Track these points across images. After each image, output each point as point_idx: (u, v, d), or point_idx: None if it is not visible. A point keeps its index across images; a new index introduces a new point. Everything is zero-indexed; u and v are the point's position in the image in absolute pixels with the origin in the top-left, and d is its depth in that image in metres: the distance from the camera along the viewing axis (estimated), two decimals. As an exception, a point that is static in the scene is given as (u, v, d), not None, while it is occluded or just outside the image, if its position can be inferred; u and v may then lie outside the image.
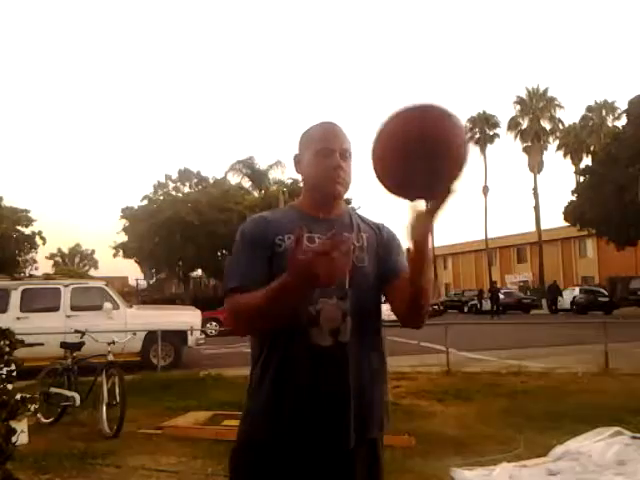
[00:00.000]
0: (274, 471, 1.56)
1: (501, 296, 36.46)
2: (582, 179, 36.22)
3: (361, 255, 1.68)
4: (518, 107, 49.15)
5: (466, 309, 37.01)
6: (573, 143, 48.42)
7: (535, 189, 47.59)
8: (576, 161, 48.34)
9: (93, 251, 75.57)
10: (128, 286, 43.97)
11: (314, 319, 1.57)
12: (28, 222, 37.60)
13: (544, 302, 34.66)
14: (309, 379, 1.55)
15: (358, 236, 1.71)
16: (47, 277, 13.22)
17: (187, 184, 42.94)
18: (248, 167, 39.91)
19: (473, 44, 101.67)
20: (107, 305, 11.00)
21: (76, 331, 7.33)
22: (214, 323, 22.52)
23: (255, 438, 1.60)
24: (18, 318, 10.25)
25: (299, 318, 1.55)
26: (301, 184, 1.82)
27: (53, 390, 6.71)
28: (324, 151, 1.69)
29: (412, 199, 1.50)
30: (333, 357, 1.57)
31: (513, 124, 49.44)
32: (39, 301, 11.01)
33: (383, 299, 1.73)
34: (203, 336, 13.42)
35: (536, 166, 47.64)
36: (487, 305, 32.70)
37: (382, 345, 1.72)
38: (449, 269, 66.69)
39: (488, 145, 51.48)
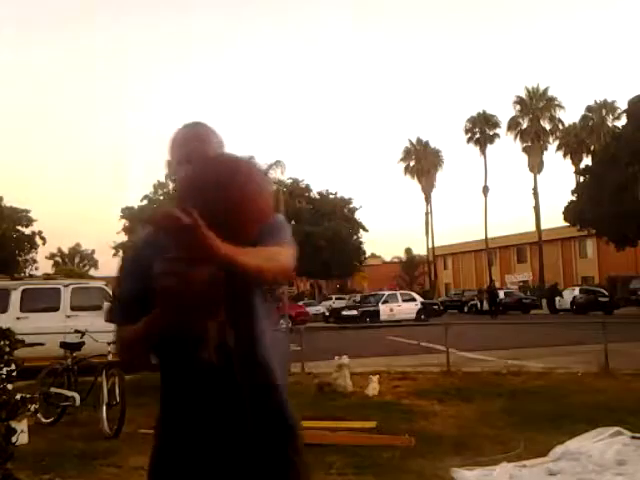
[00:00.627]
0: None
1: (501, 295, 36.50)
2: (582, 179, 36.26)
3: None
4: (518, 107, 49.19)
5: (466, 309, 37.03)
6: (573, 143, 48.43)
7: (535, 189, 47.66)
8: (576, 161, 48.34)
9: (93, 251, 75.58)
10: (128, 286, 43.85)
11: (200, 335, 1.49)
12: (28, 222, 37.64)
13: (544, 302, 34.69)
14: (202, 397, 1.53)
15: None
16: (47, 277, 13.22)
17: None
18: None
19: (473, 44, 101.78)
20: (107, 305, 11.00)
21: (76, 331, 7.33)
22: (214, 323, 22.48)
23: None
24: (18, 318, 10.24)
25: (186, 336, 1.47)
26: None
27: (53, 390, 6.71)
28: (183, 158, 1.57)
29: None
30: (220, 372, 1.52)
31: (513, 124, 49.46)
32: (39, 301, 11.00)
33: None
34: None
35: (536, 166, 47.68)
36: (486, 305, 32.63)
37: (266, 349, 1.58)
38: (449, 269, 66.72)
39: (488, 145, 51.59)
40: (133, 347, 1.46)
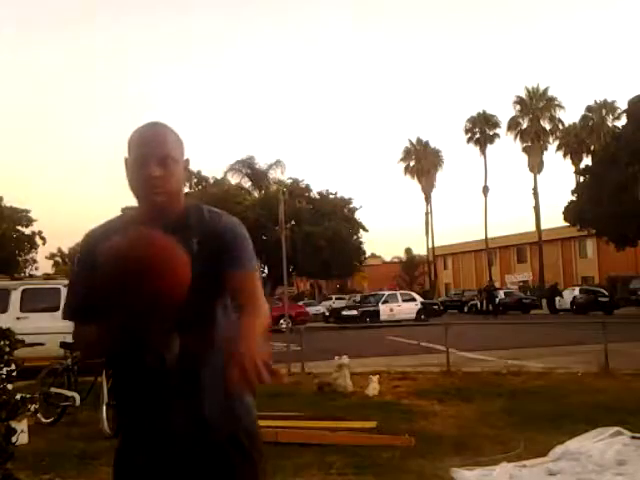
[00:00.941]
0: None
1: (501, 295, 36.48)
2: (582, 179, 36.25)
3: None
4: (518, 107, 49.19)
5: (466, 309, 37.04)
6: (573, 143, 48.42)
7: (535, 189, 47.66)
8: (576, 161, 48.32)
9: (93, 251, 75.44)
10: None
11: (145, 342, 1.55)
12: (28, 222, 37.61)
13: (544, 302, 34.70)
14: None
15: (189, 241, 1.58)
16: (47, 277, 13.22)
17: (187, 184, 42.94)
18: (248, 167, 39.95)
19: (473, 44, 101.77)
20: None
21: (76, 331, 7.32)
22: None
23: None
24: (18, 318, 10.25)
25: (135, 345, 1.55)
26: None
27: (53, 390, 6.72)
28: (140, 159, 1.58)
29: None
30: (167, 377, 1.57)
31: (513, 124, 49.45)
32: (39, 301, 11.00)
33: None
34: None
35: (536, 166, 47.68)
36: (485, 305, 32.49)
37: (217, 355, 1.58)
38: (449, 269, 66.72)
39: (488, 145, 51.61)
40: (94, 348, 1.61)
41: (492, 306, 30.70)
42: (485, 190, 51.60)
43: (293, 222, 35.17)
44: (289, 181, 39.07)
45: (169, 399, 1.58)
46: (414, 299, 28.14)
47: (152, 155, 1.58)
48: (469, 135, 52.18)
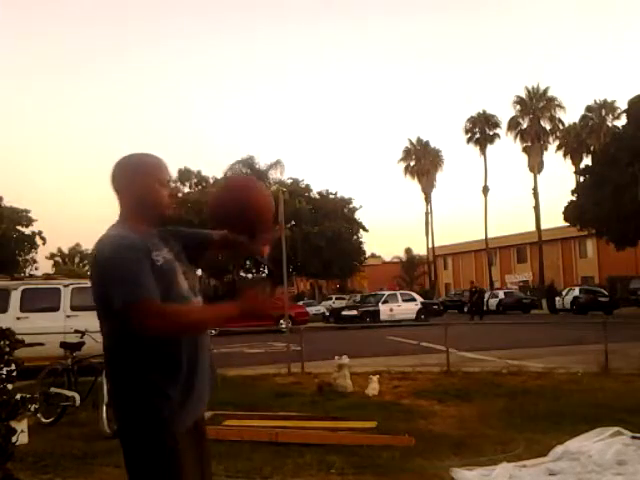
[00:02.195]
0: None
1: (501, 295, 36.47)
2: (582, 179, 36.25)
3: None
4: (518, 107, 49.18)
5: (466, 309, 37.02)
6: (573, 143, 48.43)
7: (535, 189, 47.62)
8: (576, 161, 48.34)
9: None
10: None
11: None
12: (28, 222, 37.62)
13: (544, 302, 34.71)
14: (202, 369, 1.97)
15: (172, 245, 2.03)
16: (47, 277, 13.20)
17: (187, 184, 42.99)
18: (248, 167, 39.91)
19: (473, 44, 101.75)
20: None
21: (76, 331, 7.32)
22: (214, 323, 22.46)
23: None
24: (18, 318, 10.23)
25: None
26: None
27: (53, 390, 6.71)
28: (164, 181, 2.02)
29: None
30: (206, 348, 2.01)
31: (513, 124, 49.45)
32: (39, 301, 10.99)
33: None
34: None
35: (536, 166, 47.66)
36: (484, 306, 32.09)
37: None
38: (449, 269, 66.71)
39: (488, 145, 51.59)
40: (199, 327, 1.95)
41: (476, 308, 30.18)
42: (485, 190, 51.61)
43: (293, 222, 35.15)
44: (289, 181, 39.06)
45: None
46: (414, 299, 28.12)
47: (169, 179, 2.07)
48: (469, 135, 52.21)
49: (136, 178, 1.96)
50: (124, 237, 1.87)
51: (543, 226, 47.59)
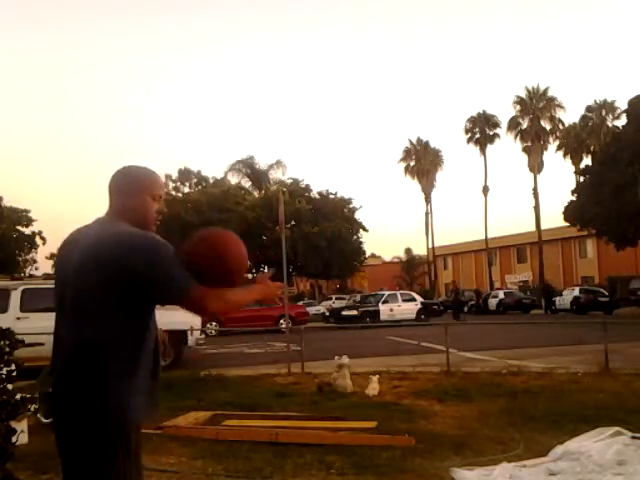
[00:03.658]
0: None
1: (501, 295, 36.47)
2: (582, 179, 36.26)
3: None
4: (518, 107, 49.16)
5: (466, 309, 37.03)
6: (573, 143, 48.43)
7: (535, 189, 47.61)
8: (576, 161, 48.34)
9: (93, 251, 75.31)
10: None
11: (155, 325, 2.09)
12: (28, 222, 37.62)
13: (544, 302, 34.73)
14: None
15: None
16: (47, 277, 13.20)
17: (187, 184, 43.01)
18: (248, 167, 39.96)
19: (473, 44, 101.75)
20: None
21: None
22: (214, 323, 22.52)
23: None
24: (18, 318, 10.24)
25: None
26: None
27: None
28: (157, 197, 2.12)
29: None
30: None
31: (513, 124, 49.44)
32: (39, 301, 10.97)
33: None
34: (203, 336, 13.42)
35: (536, 166, 47.65)
36: (478, 307, 31.56)
37: None
38: (449, 269, 66.71)
39: (488, 145, 51.60)
40: (240, 305, 2.05)
41: (454, 310, 29.90)
42: (485, 190, 51.62)
43: (293, 222, 35.15)
44: (289, 181, 39.06)
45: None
46: (414, 299, 28.11)
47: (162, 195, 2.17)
48: (469, 135, 52.23)
49: (133, 186, 2.07)
50: (149, 234, 2.00)
51: (543, 226, 47.63)
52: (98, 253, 1.90)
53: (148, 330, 1.99)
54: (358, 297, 36.34)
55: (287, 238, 17.10)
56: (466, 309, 36.89)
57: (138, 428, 2.04)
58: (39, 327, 9.33)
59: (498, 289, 42.88)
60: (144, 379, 1.97)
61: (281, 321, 21.82)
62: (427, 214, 57.40)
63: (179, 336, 11.54)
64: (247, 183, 41.84)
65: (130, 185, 2.08)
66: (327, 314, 29.26)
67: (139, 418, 1.99)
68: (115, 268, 1.87)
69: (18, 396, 3.72)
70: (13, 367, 3.81)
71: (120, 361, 1.90)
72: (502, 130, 50.84)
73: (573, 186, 36.90)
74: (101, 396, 1.89)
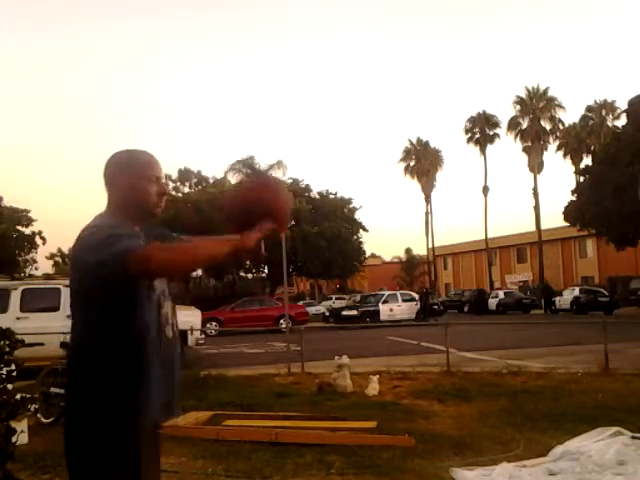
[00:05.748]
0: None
1: (501, 296, 36.48)
2: (582, 179, 36.26)
3: None
4: (518, 107, 49.13)
5: (466, 309, 37.05)
6: (573, 143, 48.41)
7: (535, 189, 47.60)
8: (576, 161, 48.32)
9: (93, 251, 75.20)
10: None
11: (166, 319, 1.99)
12: (28, 222, 37.57)
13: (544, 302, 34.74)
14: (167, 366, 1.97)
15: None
16: (47, 277, 13.21)
17: (187, 184, 42.95)
18: (248, 167, 39.88)
19: (473, 44, 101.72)
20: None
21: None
22: (214, 323, 22.53)
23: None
24: (18, 318, 10.24)
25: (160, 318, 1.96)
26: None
27: (53, 390, 6.70)
28: (154, 179, 1.99)
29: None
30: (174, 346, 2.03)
31: (513, 124, 49.41)
32: (39, 301, 10.99)
33: None
34: (203, 336, 13.42)
35: (536, 166, 47.63)
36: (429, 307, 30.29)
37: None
38: (449, 269, 66.70)
39: (488, 145, 51.58)
40: (199, 256, 1.89)
41: (423, 309, 29.64)
42: (485, 190, 51.60)
43: (293, 222, 35.13)
44: (289, 181, 39.03)
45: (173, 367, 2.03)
46: (414, 299, 28.11)
47: (161, 175, 2.03)
48: (469, 135, 52.20)
49: (125, 174, 1.96)
50: (110, 223, 1.88)
51: (543, 226, 47.61)
52: (73, 253, 1.91)
53: (145, 326, 1.88)
54: (358, 297, 36.34)
55: (287, 238, 17.09)
56: (466, 309, 36.93)
57: (152, 428, 1.99)
58: (39, 327, 9.38)
59: (498, 289, 42.89)
60: (151, 377, 1.89)
61: (281, 321, 21.81)
62: (427, 214, 57.44)
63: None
64: (247, 183, 41.72)
65: (123, 171, 1.96)
66: (327, 314, 29.26)
67: (149, 418, 1.93)
68: (79, 267, 1.85)
69: (18, 396, 3.73)
70: (13, 367, 3.82)
71: (117, 360, 1.85)
72: (502, 130, 50.89)
73: (573, 186, 36.92)
74: (99, 396, 1.86)
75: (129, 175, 1.96)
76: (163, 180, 2.02)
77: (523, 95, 48.87)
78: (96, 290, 1.81)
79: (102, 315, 1.83)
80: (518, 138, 49.10)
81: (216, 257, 1.90)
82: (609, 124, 46.58)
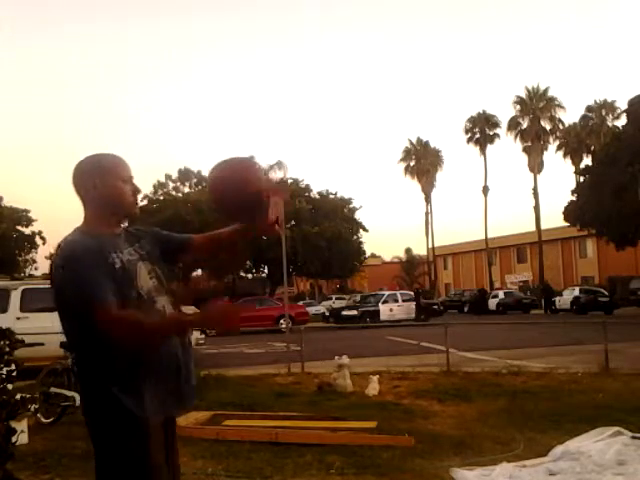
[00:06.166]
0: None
1: (501, 296, 36.52)
2: (582, 179, 36.26)
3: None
4: (518, 107, 49.16)
5: (466, 309, 37.06)
6: (573, 143, 48.43)
7: (535, 189, 47.63)
8: (576, 161, 48.33)
9: (93, 251, 75.30)
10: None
11: (162, 314, 2.01)
12: (28, 222, 37.61)
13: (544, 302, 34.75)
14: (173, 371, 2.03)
15: (141, 244, 2.06)
16: (47, 277, 13.21)
17: (187, 184, 42.96)
18: (248, 167, 39.80)
19: (473, 44, 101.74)
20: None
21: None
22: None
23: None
24: (18, 318, 10.24)
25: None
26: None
27: (53, 390, 6.70)
28: (126, 179, 2.01)
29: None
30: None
31: (513, 124, 49.43)
32: (39, 301, 10.97)
33: None
34: (203, 336, 13.41)
35: (536, 166, 47.65)
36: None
37: None
38: (449, 269, 66.70)
39: (488, 145, 51.60)
40: (154, 337, 1.89)
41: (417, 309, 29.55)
42: (485, 190, 51.61)
43: (293, 222, 35.12)
44: (289, 181, 39.03)
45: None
46: (414, 299, 28.12)
47: (131, 175, 2.04)
48: (469, 135, 52.23)
49: (98, 177, 1.96)
50: (78, 242, 1.89)
51: (543, 226, 47.62)
52: (51, 267, 1.99)
53: None
54: (358, 297, 36.35)
55: (287, 238, 17.10)
56: (466, 309, 36.94)
57: (162, 422, 2.00)
58: (39, 327, 9.36)
59: (498, 289, 42.89)
60: (149, 372, 1.91)
61: (281, 321, 21.81)
62: (427, 214, 57.48)
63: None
64: (247, 183, 41.61)
65: (94, 175, 1.96)
66: (327, 314, 29.27)
67: (154, 415, 1.93)
68: (54, 282, 1.94)
69: (18, 396, 3.73)
70: (13, 367, 3.82)
71: (106, 360, 1.87)
72: (502, 130, 50.92)
73: (573, 186, 36.93)
74: (99, 396, 1.89)
75: (102, 177, 1.95)
76: (134, 180, 2.05)
77: (523, 95, 48.94)
78: (70, 304, 1.89)
79: (81, 324, 1.87)
80: (518, 138, 49.14)
81: (165, 336, 1.95)
82: (609, 124, 46.60)
